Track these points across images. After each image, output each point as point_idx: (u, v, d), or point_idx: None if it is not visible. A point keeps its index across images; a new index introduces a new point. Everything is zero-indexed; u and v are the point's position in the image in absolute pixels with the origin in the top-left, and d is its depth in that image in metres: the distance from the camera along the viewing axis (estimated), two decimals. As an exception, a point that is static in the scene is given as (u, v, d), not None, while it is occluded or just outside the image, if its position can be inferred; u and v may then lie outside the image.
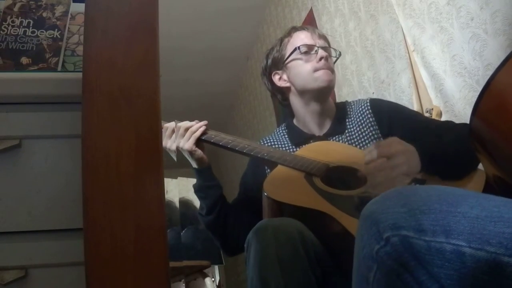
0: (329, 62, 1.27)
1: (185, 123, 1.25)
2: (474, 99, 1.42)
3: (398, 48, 1.87)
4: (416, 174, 0.98)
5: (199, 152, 1.23)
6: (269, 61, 1.35)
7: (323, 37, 1.33)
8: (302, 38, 1.30)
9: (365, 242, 0.53)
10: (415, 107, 1.73)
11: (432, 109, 1.59)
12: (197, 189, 1.27)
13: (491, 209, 0.49)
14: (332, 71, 1.28)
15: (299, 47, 1.27)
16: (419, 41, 1.70)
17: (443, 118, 1.57)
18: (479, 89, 1.39)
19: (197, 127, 1.24)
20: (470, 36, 1.44)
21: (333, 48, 1.35)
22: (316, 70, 1.25)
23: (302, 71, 1.27)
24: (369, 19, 2.08)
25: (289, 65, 1.30)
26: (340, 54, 1.37)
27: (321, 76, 1.24)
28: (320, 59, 1.25)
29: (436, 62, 1.61)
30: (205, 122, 1.26)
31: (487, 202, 0.51)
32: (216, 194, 1.24)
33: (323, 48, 1.28)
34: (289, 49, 1.30)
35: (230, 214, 1.25)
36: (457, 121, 1.48)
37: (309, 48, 1.27)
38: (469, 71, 1.45)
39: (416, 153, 1.00)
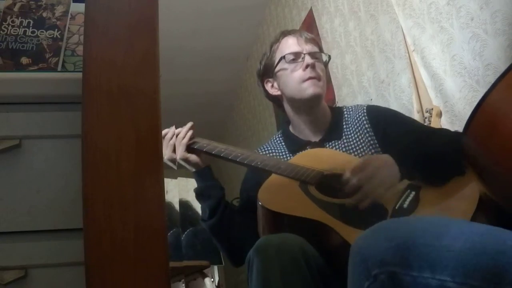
0: (316, 69, 1.23)
1: (171, 131, 1.23)
2: (474, 99, 1.43)
3: (398, 48, 1.87)
4: (397, 183, 1.00)
5: (193, 157, 1.22)
6: (262, 67, 1.33)
7: (311, 41, 1.29)
8: (289, 45, 1.27)
9: (355, 278, 0.55)
10: (415, 107, 1.73)
11: (432, 109, 1.59)
12: (199, 192, 1.24)
13: (474, 239, 0.50)
14: (320, 78, 1.24)
15: (284, 57, 1.24)
16: (419, 41, 1.70)
17: (443, 118, 1.57)
18: (479, 89, 1.40)
19: (184, 133, 1.22)
20: (470, 36, 1.44)
21: (323, 53, 1.31)
22: (303, 80, 1.22)
23: (289, 81, 1.24)
24: (369, 19, 2.08)
25: (278, 74, 1.28)
26: (329, 58, 1.34)
27: (308, 88, 1.21)
28: (306, 67, 1.22)
29: (436, 62, 1.61)
30: (190, 124, 1.24)
31: (471, 230, 0.52)
32: (218, 194, 1.22)
33: (311, 53, 1.25)
34: (277, 57, 1.28)
35: (235, 219, 1.22)
36: (457, 121, 1.49)
37: (296, 56, 1.24)
38: (469, 71, 1.45)
39: (392, 163, 1.01)
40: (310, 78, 1.21)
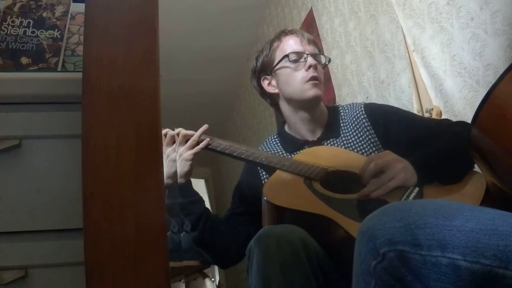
0: (317, 71, 1.25)
1: (185, 131, 1.22)
2: (474, 99, 1.43)
3: (398, 48, 1.87)
4: (413, 186, 0.99)
5: (193, 163, 1.20)
6: (259, 64, 1.32)
7: (313, 42, 1.30)
8: (291, 44, 1.27)
9: (363, 257, 0.54)
10: (415, 107, 1.73)
11: (432, 109, 1.59)
12: (180, 208, 1.21)
13: (485, 222, 0.50)
14: (320, 81, 1.25)
15: (288, 56, 1.25)
16: (419, 41, 1.70)
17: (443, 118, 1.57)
18: (479, 89, 1.40)
19: (198, 135, 1.21)
20: (470, 36, 1.44)
21: (323, 55, 1.33)
22: (305, 80, 1.22)
23: (290, 80, 1.24)
24: (369, 19, 2.08)
25: (278, 71, 1.28)
26: (329, 61, 1.35)
27: (310, 89, 1.22)
28: (309, 67, 1.22)
29: (436, 62, 1.61)
30: (205, 127, 1.23)
31: (482, 215, 0.52)
32: (199, 208, 1.21)
33: (313, 55, 1.26)
34: (278, 55, 1.28)
35: (218, 227, 1.22)
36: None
37: (298, 56, 1.25)
38: (469, 71, 1.45)
39: (410, 165, 1.01)
40: (312, 78, 1.22)
